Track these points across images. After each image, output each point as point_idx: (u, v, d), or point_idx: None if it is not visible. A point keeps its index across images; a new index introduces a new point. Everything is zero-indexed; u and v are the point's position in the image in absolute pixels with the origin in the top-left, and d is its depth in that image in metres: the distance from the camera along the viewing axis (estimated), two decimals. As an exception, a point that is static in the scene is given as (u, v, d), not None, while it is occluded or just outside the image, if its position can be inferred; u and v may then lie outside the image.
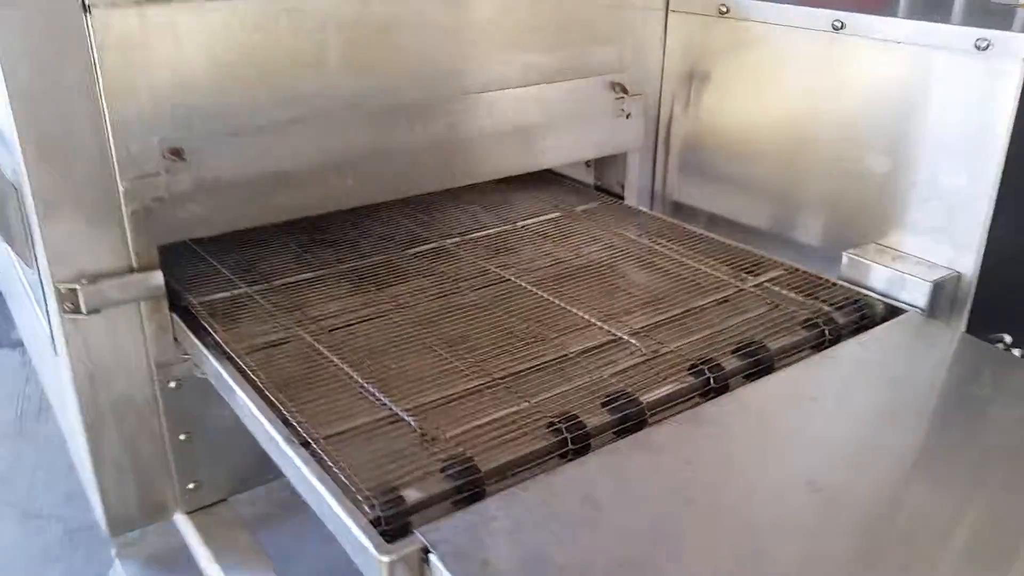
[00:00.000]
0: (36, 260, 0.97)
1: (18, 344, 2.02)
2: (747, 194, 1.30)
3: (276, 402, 0.83)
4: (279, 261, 1.17)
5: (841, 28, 1.11)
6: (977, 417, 0.83)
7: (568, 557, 0.64)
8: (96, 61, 0.88)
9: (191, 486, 1.11)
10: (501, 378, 0.88)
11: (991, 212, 1.01)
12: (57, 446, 1.61)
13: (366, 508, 0.68)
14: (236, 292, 1.08)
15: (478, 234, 1.27)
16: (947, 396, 0.88)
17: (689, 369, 0.88)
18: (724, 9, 1.26)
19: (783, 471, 0.76)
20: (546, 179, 1.50)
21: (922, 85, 1.04)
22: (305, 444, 0.77)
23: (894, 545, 0.66)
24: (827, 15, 1.12)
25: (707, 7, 1.28)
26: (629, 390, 0.84)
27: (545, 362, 0.91)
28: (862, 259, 1.09)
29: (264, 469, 1.16)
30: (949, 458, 0.77)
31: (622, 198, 1.42)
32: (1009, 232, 1.01)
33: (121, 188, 0.93)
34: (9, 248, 1.17)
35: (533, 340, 0.95)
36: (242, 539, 1.10)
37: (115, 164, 0.92)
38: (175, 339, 1.03)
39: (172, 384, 1.05)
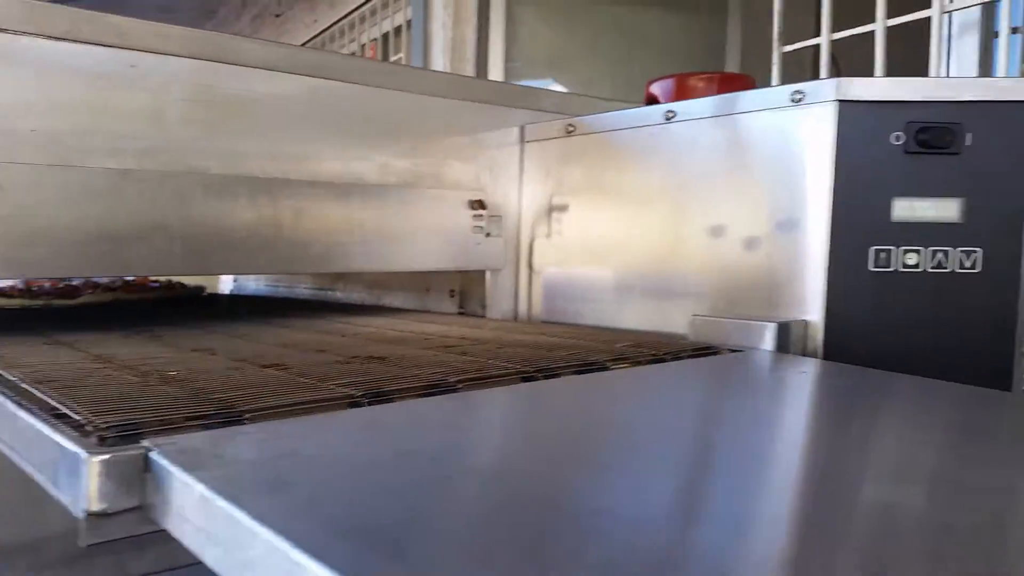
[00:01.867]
0: None
1: None
2: (618, 301, 1.28)
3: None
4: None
5: (673, 117, 1.17)
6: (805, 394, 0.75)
7: (322, 451, 0.52)
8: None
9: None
10: (300, 369, 0.78)
11: (827, 258, 1.01)
12: None
13: (88, 430, 0.56)
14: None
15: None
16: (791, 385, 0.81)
17: (518, 373, 0.80)
18: (571, 128, 1.33)
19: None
20: (410, 314, 1.46)
21: (759, 151, 1.08)
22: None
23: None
24: (659, 109, 1.19)
25: (557, 130, 1.35)
26: (451, 379, 0.75)
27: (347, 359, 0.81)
28: (707, 317, 1.06)
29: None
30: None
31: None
32: (844, 275, 1.01)
33: (-87, 203, 0.87)
34: None
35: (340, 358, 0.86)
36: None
37: (-91, 176, 0.87)
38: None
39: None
